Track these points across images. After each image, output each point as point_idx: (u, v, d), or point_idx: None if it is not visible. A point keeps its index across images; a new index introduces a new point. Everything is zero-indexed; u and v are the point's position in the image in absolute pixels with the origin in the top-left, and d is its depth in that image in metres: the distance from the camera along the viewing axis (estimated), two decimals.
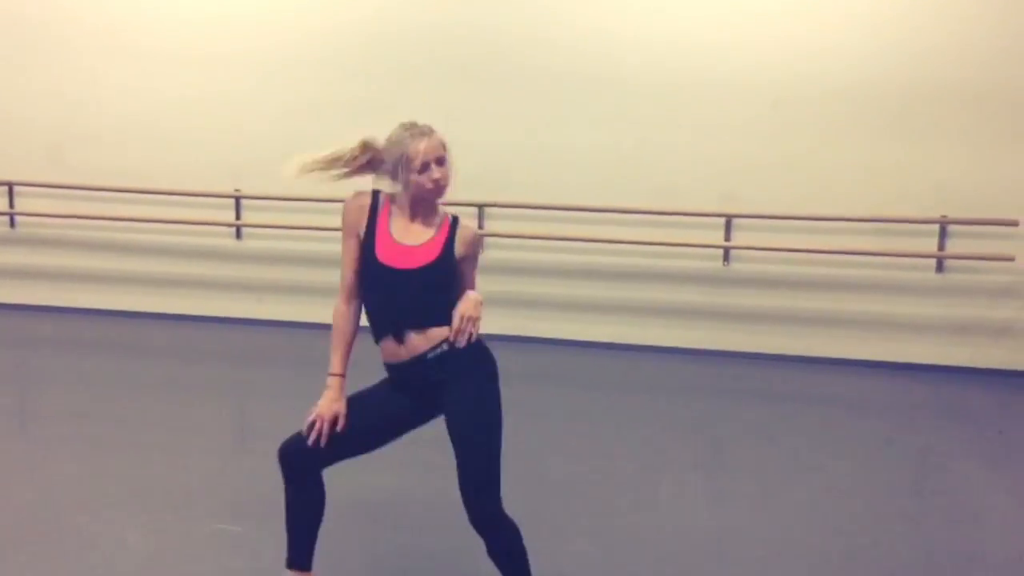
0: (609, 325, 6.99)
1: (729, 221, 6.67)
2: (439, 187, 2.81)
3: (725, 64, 6.59)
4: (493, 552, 2.83)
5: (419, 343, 2.82)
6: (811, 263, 6.67)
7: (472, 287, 2.93)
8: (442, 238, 2.86)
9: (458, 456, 2.76)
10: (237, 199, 7.28)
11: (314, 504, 2.98)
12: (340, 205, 2.91)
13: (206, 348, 6.84)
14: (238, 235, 7.39)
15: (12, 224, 7.50)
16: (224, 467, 4.49)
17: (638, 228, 6.78)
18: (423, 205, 2.87)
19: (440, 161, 2.79)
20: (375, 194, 2.92)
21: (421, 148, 2.76)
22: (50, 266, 7.53)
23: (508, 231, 6.93)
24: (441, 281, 2.85)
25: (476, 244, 2.96)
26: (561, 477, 4.49)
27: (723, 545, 3.79)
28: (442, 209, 2.94)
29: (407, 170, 2.78)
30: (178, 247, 7.41)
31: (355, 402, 2.90)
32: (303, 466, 2.90)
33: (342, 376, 2.89)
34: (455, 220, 2.93)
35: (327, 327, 2.94)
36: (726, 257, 6.79)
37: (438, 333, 2.82)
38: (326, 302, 3.19)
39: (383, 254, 2.82)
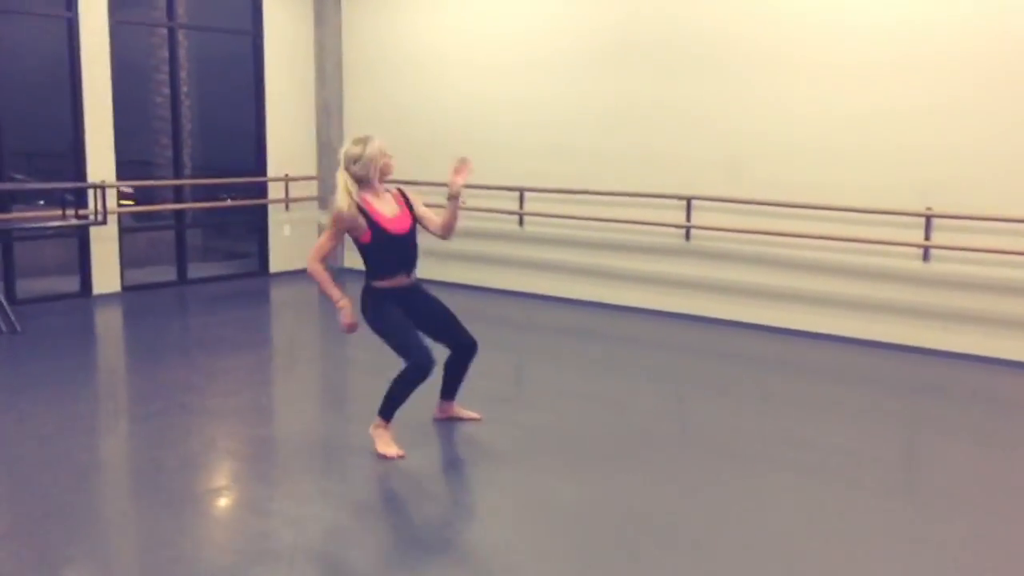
0: None
1: None
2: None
3: None
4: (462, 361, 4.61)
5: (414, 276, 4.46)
6: None
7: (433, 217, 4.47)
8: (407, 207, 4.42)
9: (448, 324, 4.49)
10: (927, 218, 6.23)
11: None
12: None
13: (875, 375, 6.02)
14: (925, 257, 6.30)
15: (687, 237, 7.46)
16: None
17: None
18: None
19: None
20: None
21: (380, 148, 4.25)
22: (718, 279, 7.31)
23: None
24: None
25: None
26: None
27: None
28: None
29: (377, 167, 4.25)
30: (858, 266, 6.63)
31: (401, 315, 4.32)
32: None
33: (349, 298, 4.26)
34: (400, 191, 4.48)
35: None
36: None
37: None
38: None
39: (388, 227, 4.29)
